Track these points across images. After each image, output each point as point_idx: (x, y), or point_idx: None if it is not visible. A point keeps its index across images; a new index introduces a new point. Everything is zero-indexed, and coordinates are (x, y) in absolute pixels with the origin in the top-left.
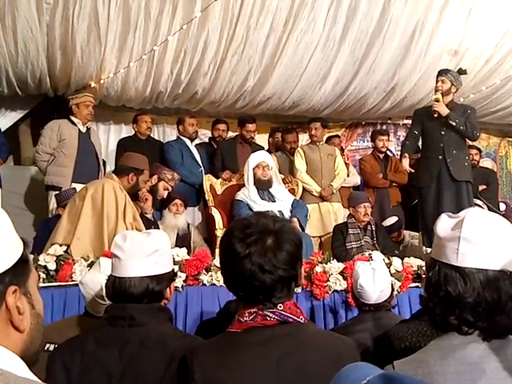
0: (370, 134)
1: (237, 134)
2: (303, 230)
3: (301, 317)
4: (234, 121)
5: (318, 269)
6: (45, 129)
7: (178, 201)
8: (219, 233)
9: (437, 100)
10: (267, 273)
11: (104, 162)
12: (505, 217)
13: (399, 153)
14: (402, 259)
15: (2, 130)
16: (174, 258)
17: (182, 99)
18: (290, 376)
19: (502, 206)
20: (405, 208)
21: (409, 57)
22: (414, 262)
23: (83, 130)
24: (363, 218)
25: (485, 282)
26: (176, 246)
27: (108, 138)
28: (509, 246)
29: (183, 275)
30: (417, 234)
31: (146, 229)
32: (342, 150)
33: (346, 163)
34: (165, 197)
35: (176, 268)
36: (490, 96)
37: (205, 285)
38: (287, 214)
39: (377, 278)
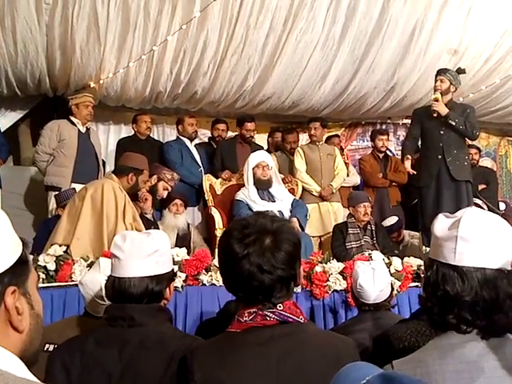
0: (370, 133)
1: (236, 133)
2: (303, 229)
3: (300, 317)
4: (233, 120)
5: (318, 268)
6: (44, 129)
7: (178, 201)
8: (219, 233)
9: (436, 99)
10: (266, 273)
11: (104, 162)
12: (505, 216)
13: (399, 153)
14: (402, 259)
15: (2, 130)
16: (173, 258)
17: (181, 99)
18: (290, 376)
19: (502, 206)
20: (404, 208)
21: (408, 56)
22: (414, 262)
23: (83, 130)
24: (363, 218)
25: (482, 280)
26: (176, 246)
27: (107, 138)
28: (506, 244)
29: (183, 275)
30: (417, 233)
31: (146, 229)
32: (341, 149)
33: (345, 163)
34: (164, 197)
35: (176, 268)
36: (489, 95)
37: (204, 285)
38: (287, 214)
39: (376, 277)
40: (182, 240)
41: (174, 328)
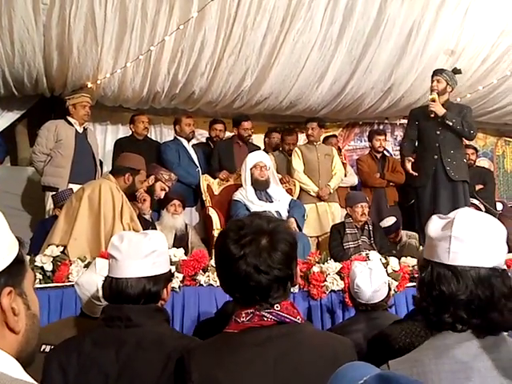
0: (367, 133)
1: (233, 134)
2: (300, 230)
3: (298, 317)
4: (231, 121)
5: (316, 269)
6: (41, 129)
7: (176, 201)
8: (216, 233)
9: (433, 100)
10: (263, 273)
11: (101, 163)
12: (502, 216)
13: (397, 153)
14: (399, 259)
15: None
16: (171, 259)
17: (179, 99)
18: (287, 376)
19: (499, 206)
20: (402, 208)
21: (405, 57)
22: (411, 262)
23: (80, 130)
24: (360, 218)
25: (477, 279)
26: (174, 246)
27: (105, 138)
28: (499, 243)
29: (180, 276)
30: (414, 233)
31: (144, 230)
32: (339, 149)
33: (343, 163)
34: (162, 197)
35: (173, 268)
36: (486, 95)
37: (202, 285)
38: (284, 215)
39: (373, 277)
40: (180, 240)
41: (171, 328)
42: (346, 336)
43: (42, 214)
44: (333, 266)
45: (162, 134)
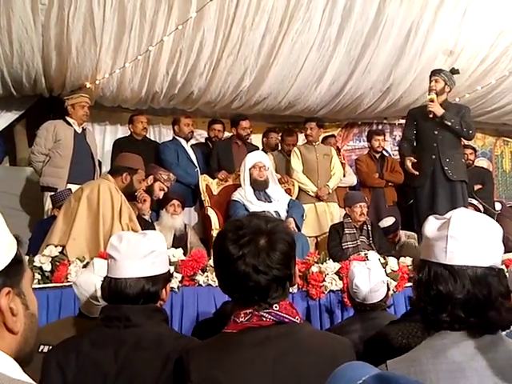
0: (366, 133)
1: (232, 134)
2: (299, 230)
3: (296, 317)
4: (229, 121)
5: (314, 269)
6: (40, 129)
7: (175, 201)
8: (215, 233)
9: (431, 100)
10: (261, 273)
11: (100, 163)
12: (501, 216)
13: (396, 153)
14: (398, 259)
15: None
16: (169, 259)
17: (177, 99)
18: (286, 376)
19: (498, 206)
20: (401, 208)
21: (404, 57)
22: (410, 262)
23: (79, 130)
24: (359, 218)
25: (474, 278)
26: (173, 246)
27: (104, 138)
28: (495, 243)
29: (179, 276)
30: (413, 233)
31: (143, 230)
32: (338, 149)
33: (342, 163)
34: (161, 197)
35: (172, 269)
36: (485, 95)
37: (201, 285)
38: (283, 215)
39: (372, 277)
40: (179, 240)
41: (170, 329)
42: (345, 336)
43: (40, 215)
44: (331, 266)
45: (161, 134)
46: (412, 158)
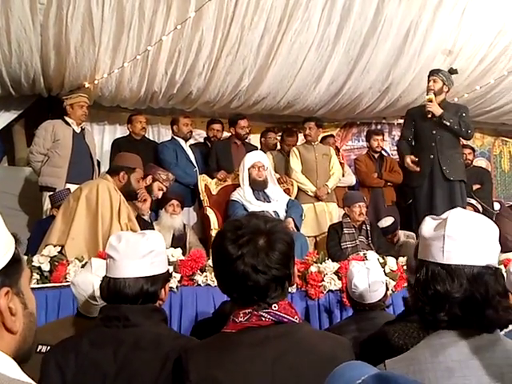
0: (365, 133)
1: (231, 134)
2: (298, 229)
3: (295, 317)
4: (228, 121)
5: (313, 268)
6: (39, 129)
7: (174, 201)
8: (214, 233)
9: (430, 100)
10: (260, 273)
11: (98, 163)
12: (499, 216)
13: (395, 153)
14: (397, 259)
15: None
16: (168, 259)
17: (176, 99)
18: (285, 376)
19: (497, 206)
20: (400, 208)
21: (403, 57)
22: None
23: (77, 130)
24: (358, 218)
25: (471, 277)
26: (172, 246)
27: (102, 138)
28: (492, 242)
29: (178, 276)
30: (412, 233)
31: (142, 230)
32: (337, 149)
33: (340, 163)
34: (159, 197)
35: (171, 268)
36: (484, 95)
37: (200, 285)
38: (282, 214)
39: (371, 277)
40: (178, 240)
41: (169, 328)
42: (344, 336)
43: (39, 214)
44: (330, 266)
45: (160, 134)
46: (412, 157)
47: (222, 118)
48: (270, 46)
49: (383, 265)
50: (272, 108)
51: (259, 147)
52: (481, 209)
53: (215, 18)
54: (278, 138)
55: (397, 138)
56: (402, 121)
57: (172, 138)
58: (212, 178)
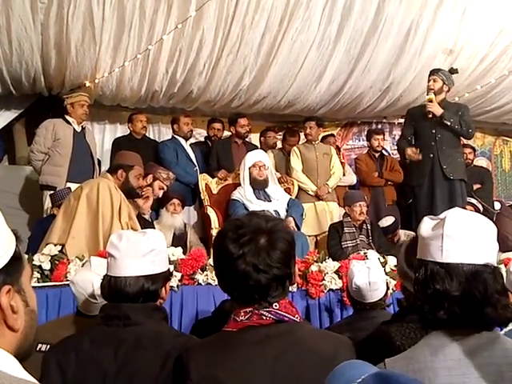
0: (366, 133)
1: (231, 133)
2: (299, 229)
3: (296, 316)
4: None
5: (314, 268)
6: (39, 128)
7: (175, 200)
8: (215, 232)
9: (430, 100)
10: (262, 272)
11: (99, 162)
12: (500, 215)
13: (395, 152)
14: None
15: None
16: (169, 258)
17: (177, 98)
18: (286, 375)
19: (497, 205)
20: (400, 207)
21: (404, 56)
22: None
23: (78, 129)
24: (359, 217)
25: (470, 275)
26: (172, 245)
27: (103, 137)
28: (490, 241)
29: (178, 274)
30: (412, 232)
31: (143, 229)
32: (338, 149)
33: (341, 162)
34: (160, 196)
35: (171, 267)
36: (484, 95)
37: (200, 284)
38: (283, 214)
39: (372, 276)
40: (179, 239)
41: (170, 327)
42: (345, 335)
43: (39, 213)
44: (331, 265)
45: (160, 133)
46: (413, 148)
47: (223, 117)
48: (270, 45)
49: (384, 264)
50: (273, 107)
51: (259, 146)
52: (481, 208)
53: (216, 17)
54: (278, 137)
55: (397, 138)
56: (402, 120)
57: (172, 137)
58: (212, 177)
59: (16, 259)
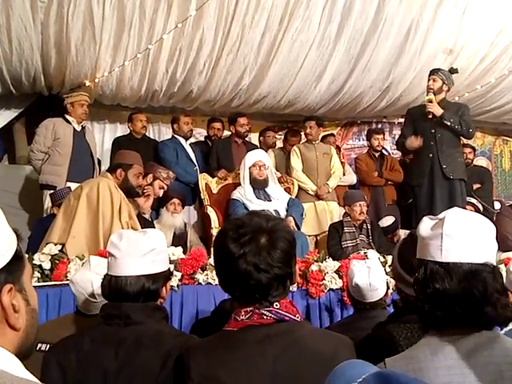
0: (366, 132)
1: (231, 132)
2: (299, 228)
3: (297, 315)
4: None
5: (314, 267)
6: (39, 127)
7: (175, 200)
8: (215, 232)
9: (430, 101)
10: (263, 272)
11: (99, 161)
12: (500, 215)
13: (395, 152)
14: None
15: None
16: (169, 257)
17: (177, 98)
18: (286, 374)
19: (497, 205)
20: (400, 206)
21: (404, 55)
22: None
23: (78, 128)
24: (359, 217)
25: (470, 274)
26: (172, 245)
27: (103, 136)
28: (489, 240)
29: (179, 274)
30: None
31: (143, 228)
32: (338, 148)
33: (341, 162)
34: (160, 195)
35: (171, 267)
36: (484, 95)
37: (200, 284)
38: (283, 213)
39: (372, 276)
40: (179, 239)
41: (170, 326)
42: (345, 334)
43: (39, 213)
44: (331, 265)
45: (160, 132)
46: (412, 137)
47: (223, 117)
48: (270, 44)
49: (384, 264)
50: (273, 107)
51: (258, 146)
52: (481, 208)
53: (216, 17)
54: (278, 136)
55: (397, 137)
56: (402, 120)
57: (172, 136)
58: (212, 176)
59: (17, 258)
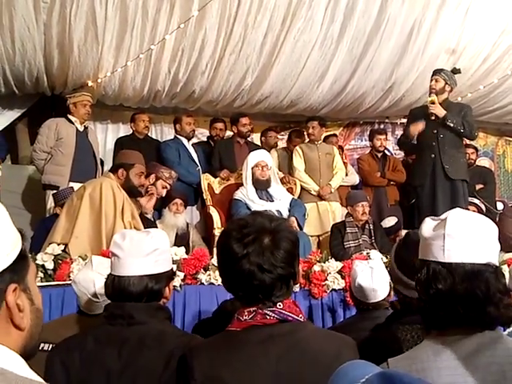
0: (368, 133)
1: (233, 133)
2: (301, 229)
3: (300, 315)
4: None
5: (316, 268)
6: (42, 127)
7: (178, 200)
8: (217, 232)
9: (432, 102)
10: (266, 272)
11: (102, 161)
12: (502, 216)
13: (398, 152)
14: None
15: (0, 129)
16: (172, 257)
17: (179, 98)
18: (289, 374)
19: (500, 205)
20: (403, 207)
21: (406, 56)
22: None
23: (81, 128)
24: (361, 217)
25: (472, 275)
26: (175, 245)
27: (106, 137)
28: (491, 241)
29: (181, 274)
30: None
31: (146, 229)
32: (340, 148)
33: (344, 162)
34: (163, 195)
35: (174, 267)
36: (487, 95)
37: (203, 284)
38: (285, 214)
39: (375, 276)
40: (181, 239)
41: (173, 326)
42: (348, 335)
43: (42, 213)
44: (334, 265)
45: (163, 132)
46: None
47: (225, 117)
48: (273, 44)
49: (387, 264)
50: (275, 107)
51: (260, 146)
52: (484, 208)
53: (218, 17)
54: (280, 137)
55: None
56: (405, 120)
57: (175, 136)
58: (215, 176)
59: (22, 258)
